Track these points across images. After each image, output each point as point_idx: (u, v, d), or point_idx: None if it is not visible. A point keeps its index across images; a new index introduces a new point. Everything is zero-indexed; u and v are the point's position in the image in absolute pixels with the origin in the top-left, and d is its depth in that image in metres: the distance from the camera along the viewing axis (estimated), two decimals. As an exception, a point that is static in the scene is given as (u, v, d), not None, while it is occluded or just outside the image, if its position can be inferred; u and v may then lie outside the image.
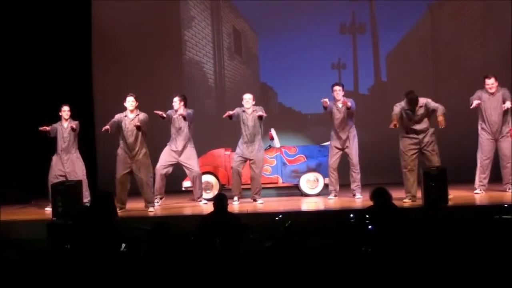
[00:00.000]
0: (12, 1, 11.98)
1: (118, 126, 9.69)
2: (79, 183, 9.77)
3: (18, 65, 12.12)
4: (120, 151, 9.71)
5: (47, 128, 10.38)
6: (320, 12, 12.95)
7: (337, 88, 10.16)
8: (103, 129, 9.65)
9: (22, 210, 10.48)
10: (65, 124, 10.54)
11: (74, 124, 10.48)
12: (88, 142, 12.53)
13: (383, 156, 11.53)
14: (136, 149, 9.66)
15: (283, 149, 11.10)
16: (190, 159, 10.26)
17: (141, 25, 13.14)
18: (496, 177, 10.18)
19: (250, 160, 10.11)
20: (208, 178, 11.02)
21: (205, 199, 10.44)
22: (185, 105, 10.23)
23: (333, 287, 4.89)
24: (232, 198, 9.93)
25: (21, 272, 5.28)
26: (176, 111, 10.19)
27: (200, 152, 11.24)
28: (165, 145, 10.41)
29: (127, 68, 13.10)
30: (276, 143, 11.03)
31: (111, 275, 5.17)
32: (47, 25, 12.44)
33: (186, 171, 10.35)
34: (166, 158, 10.27)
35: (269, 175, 10.99)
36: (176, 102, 10.22)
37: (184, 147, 10.23)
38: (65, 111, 10.55)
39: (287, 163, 11.06)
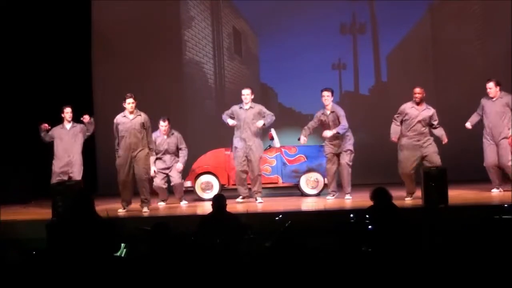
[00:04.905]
0: (12, 2, 11.98)
1: (117, 128, 9.66)
2: (79, 183, 9.77)
3: (18, 66, 12.11)
4: (121, 152, 9.63)
5: (47, 126, 10.30)
6: (320, 12, 12.95)
7: (325, 93, 10.01)
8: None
9: (22, 210, 10.48)
10: (68, 126, 10.47)
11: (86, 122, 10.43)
12: (88, 142, 12.52)
13: (383, 156, 11.52)
14: (138, 149, 9.61)
15: (283, 149, 11.10)
16: (174, 171, 10.38)
17: (141, 25, 13.13)
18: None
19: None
20: (208, 178, 11.04)
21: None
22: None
23: (333, 287, 4.88)
24: (232, 198, 9.92)
25: (21, 272, 5.28)
26: (165, 133, 10.36)
27: (200, 152, 11.26)
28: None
29: (127, 68, 13.10)
30: (276, 143, 11.02)
31: (111, 275, 5.17)
32: (47, 25, 12.43)
33: (171, 179, 10.43)
34: (158, 177, 10.32)
35: (269, 175, 10.98)
36: (164, 126, 10.35)
37: (172, 163, 10.38)
38: (68, 112, 10.42)
39: (287, 163, 11.06)
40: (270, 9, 13.00)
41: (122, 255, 6.03)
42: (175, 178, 10.36)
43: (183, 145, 10.46)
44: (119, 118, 9.67)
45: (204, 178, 11.02)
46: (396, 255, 5.45)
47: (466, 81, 12.52)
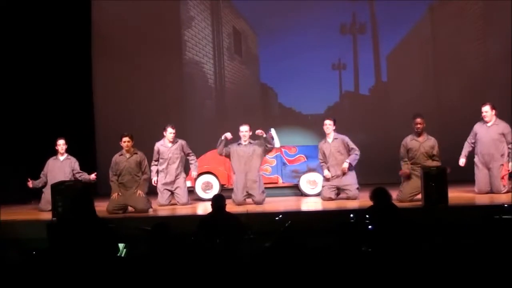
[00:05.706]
0: (11, 2, 11.97)
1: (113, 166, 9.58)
2: (79, 183, 9.77)
3: (18, 66, 12.11)
4: (120, 186, 9.55)
5: (30, 185, 10.26)
6: (320, 12, 12.96)
7: (327, 122, 9.97)
8: (114, 195, 9.48)
9: (22, 210, 10.48)
10: (61, 158, 10.42)
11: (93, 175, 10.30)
12: (88, 144, 12.53)
13: (383, 156, 11.54)
14: (133, 187, 9.52)
15: (283, 149, 11.10)
16: (181, 190, 10.19)
17: (141, 25, 13.15)
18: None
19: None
20: (208, 178, 11.05)
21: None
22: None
23: (333, 287, 4.88)
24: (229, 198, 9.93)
25: (21, 272, 5.28)
26: (172, 140, 10.12)
27: (200, 152, 11.26)
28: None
29: (127, 68, 13.10)
30: (276, 143, 11.02)
31: (110, 275, 5.17)
32: (47, 25, 12.44)
33: (176, 198, 10.24)
34: (163, 196, 10.17)
35: (269, 175, 10.98)
36: (173, 133, 10.16)
37: (176, 177, 10.19)
38: (60, 145, 10.34)
39: (287, 163, 11.06)
40: (270, 9, 13.02)
41: (122, 255, 6.03)
42: (182, 198, 10.16)
43: (190, 151, 10.32)
44: (116, 157, 9.62)
45: (204, 178, 11.03)
46: (396, 255, 5.45)
47: (466, 81, 12.52)
